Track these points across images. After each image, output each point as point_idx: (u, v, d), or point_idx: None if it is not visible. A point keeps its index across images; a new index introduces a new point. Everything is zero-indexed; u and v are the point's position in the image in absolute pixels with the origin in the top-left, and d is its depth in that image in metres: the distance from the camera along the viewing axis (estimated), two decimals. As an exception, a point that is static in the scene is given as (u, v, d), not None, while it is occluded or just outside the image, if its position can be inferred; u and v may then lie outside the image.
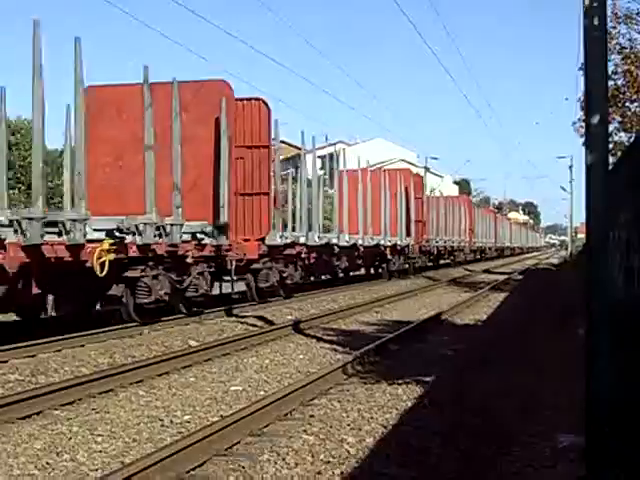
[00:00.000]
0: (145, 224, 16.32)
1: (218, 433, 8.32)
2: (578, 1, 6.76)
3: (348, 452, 8.20)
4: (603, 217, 6.56)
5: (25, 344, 14.48)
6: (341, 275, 33.29)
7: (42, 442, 8.55)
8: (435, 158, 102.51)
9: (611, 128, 24.82)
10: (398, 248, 38.25)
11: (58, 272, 14.64)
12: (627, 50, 25.71)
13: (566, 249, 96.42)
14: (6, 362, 13.06)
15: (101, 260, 14.93)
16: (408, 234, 39.47)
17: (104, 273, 15.00)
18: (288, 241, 23.97)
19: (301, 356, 14.88)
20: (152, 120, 16.95)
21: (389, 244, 36.26)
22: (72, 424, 9.35)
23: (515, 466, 7.63)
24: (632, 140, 19.64)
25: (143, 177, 16.98)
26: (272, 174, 23.15)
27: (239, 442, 8.51)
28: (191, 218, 18.61)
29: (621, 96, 26.35)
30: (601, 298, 6.41)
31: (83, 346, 15.07)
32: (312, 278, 29.28)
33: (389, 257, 36.74)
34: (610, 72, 24.11)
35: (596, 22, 6.58)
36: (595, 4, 6.59)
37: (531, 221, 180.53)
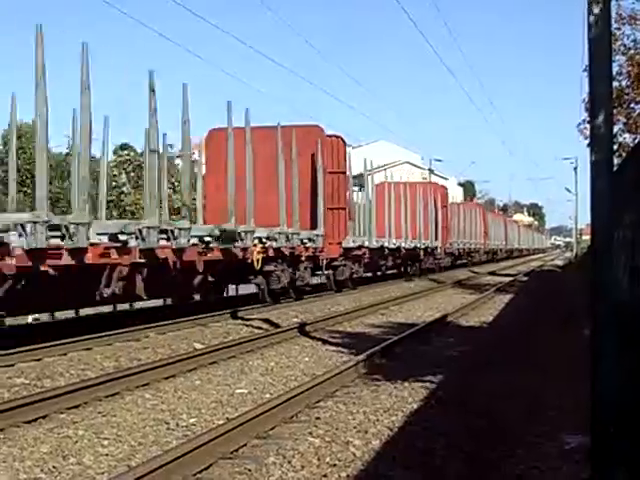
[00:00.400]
0: (279, 233, 22.39)
1: (224, 436, 8.32)
2: (582, 1, 6.77)
3: (354, 455, 8.19)
4: (608, 218, 6.56)
5: (31, 347, 14.52)
6: (388, 272, 40.10)
7: (48, 446, 8.55)
8: (439, 160, 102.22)
9: (615, 129, 24.79)
10: (429, 250, 44.42)
11: (233, 266, 20.85)
12: (632, 51, 25.69)
13: (571, 251, 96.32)
14: (12, 366, 13.08)
15: (257, 258, 20.82)
16: (436, 238, 45.01)
17: (259, 267, 21.14)
18: (357, 244, 30.54)
19: (307, 358, 14.88)
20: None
21: (423, 247, 42.14)
22: (78, 427, 9.36)
23: (520, 468, 7.63)
24: (637, 141, 19.63)
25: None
26: (347, 193, 28.93)
27: (245, 445, 8.51)
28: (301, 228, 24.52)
29: (625, 97, 26.33)
30: (606, 299, 6.41)
31: (89, 349, 15.08)
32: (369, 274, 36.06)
33: (422, 257, 42.08)
34: (615, 73, 24.07)
35: (600, 22, 6.58)
36: (599, 4, 6.59)
37: (536, 223, 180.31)
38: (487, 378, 12.26)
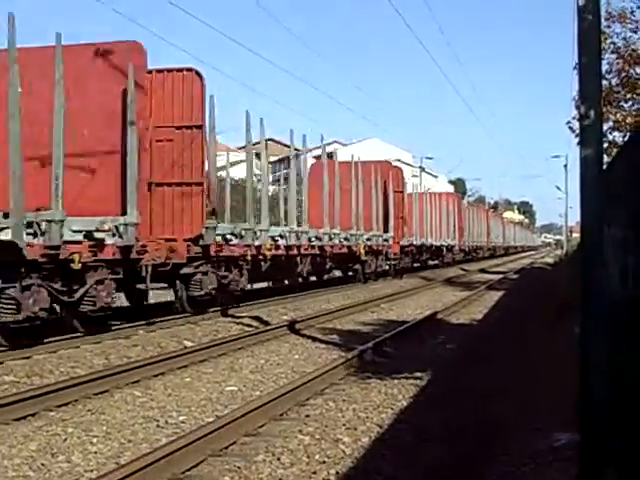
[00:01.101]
0: (374, 236, 31.50)
1: (214, 433, 8.32)
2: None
3: (343, 452, 8.20)
4: (597, 215, 6.56)
5: (20, 345, 14.47)
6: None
7: (37, 443, 8.53)
8: (430, 158, 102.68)
9: (605, 127, 24.83)
10: (449, 247, 52.39)
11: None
12: (622, 49, 25.69)
13: (561, 248, 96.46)
14: (1, 364, 13.04)
15: (362, 252, 30.71)
16: (454, 237, 44.95)
17: (363, 258, 31.45)
18: (408, 243, 40.39)
19: (297, 356, 14.88)
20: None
21: (446, 244, 50.11)
22: (67, 425, 9.34)
23: (511, 465, 7.63)
24: (627, 139, 19.66)
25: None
26: (405, 206, 38.08)
27: (235, 442, 8.50)
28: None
29: (615, 95, 26.34)
30: (595, 297, 6.41)
31: (78, 347, 15.04)
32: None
33: (444, 253, 45.67)
34: (604, 71, 24.12)
35: (589, 20, 6.58)
36: (589, 3, 6.60)
37: (526, 220, 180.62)
38: (477, 375, 12.27)
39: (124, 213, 16.10)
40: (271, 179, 51.47)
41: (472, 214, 68.34)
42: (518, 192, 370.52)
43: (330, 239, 28.76)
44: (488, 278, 42.46)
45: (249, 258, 21.59)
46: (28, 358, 13.75)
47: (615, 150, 23.39)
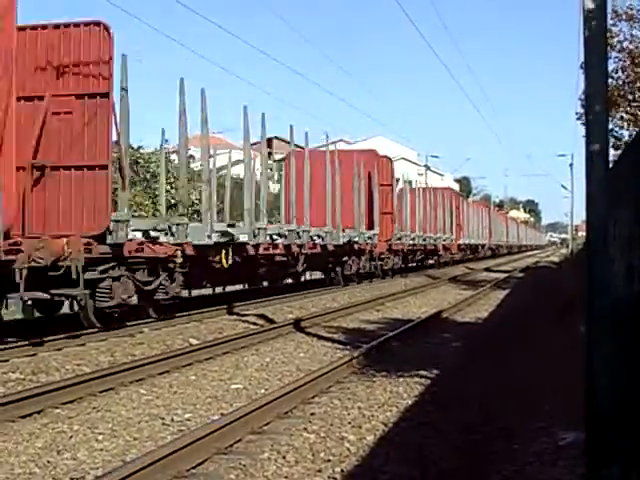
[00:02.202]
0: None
1: (219, 431, 8.32)
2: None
3: (349, 450, 8.19)
4: (603, 214, 6.55)
5: (26, 342, 14.52)
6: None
7: (43, 441, 8.55)
8: (436, 156, 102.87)
9: (611, 125, 24.81)
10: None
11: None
12: (631, 46, 25.69)
13: (567, 247, 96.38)
14: (7, 361, 13.07)
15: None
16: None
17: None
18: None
19: (302, 354, 14.88)
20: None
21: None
22: (73, 423, 9.35)
23: (516, 463, 7.63)
24: (633, 137, 19.64)
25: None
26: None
27: (240, 440, 8.50)
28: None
29: (622, 93, 26.34)
30: (601, 295, 6.41)
31: (84, 345, 15.07)
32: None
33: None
34: (610, 69, 24.11)
35: (596, 18, 6.58)
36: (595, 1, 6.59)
37: (532, 219, 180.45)
38: (482, 374, 12.26)
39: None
40: (276, 177, 49.68)
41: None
42: (524, 191, 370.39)
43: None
44: (493, 277, 42.44)
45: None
46: (34, 355, 13.78)
47: (621, 148, 23.40)
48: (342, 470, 7.50)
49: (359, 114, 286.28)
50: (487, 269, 52.37)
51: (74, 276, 14.22)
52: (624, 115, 26.33)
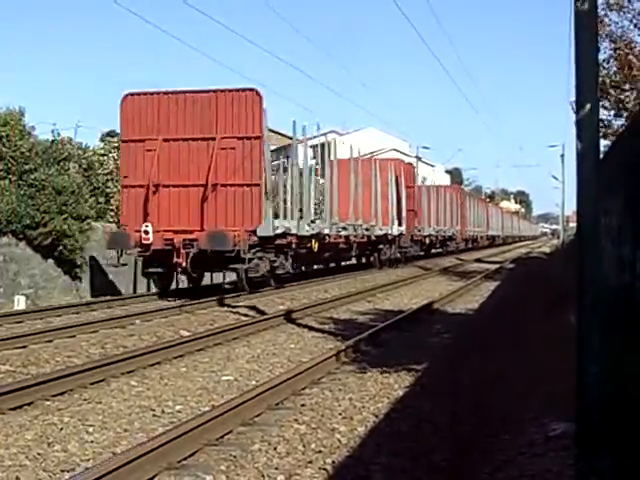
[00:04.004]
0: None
1: (209, 423, 8.30)
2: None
3: (339, 441, 8.20)
4: (594, 205, 6.56)
5: (16, 334, 14.51)
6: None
7: (33, 433, 8.52)
8: (427, 148, 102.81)
9: (602, 114, 24.82)
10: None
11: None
12: (618, 38, 25.68)
13: (558, 238, 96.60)
14: (-3, 353, 13.04)
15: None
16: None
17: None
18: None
19: (292, 345, 14.88)
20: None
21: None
22: (63, 414, 9.33)
23: (507, 454, 7.63)
24: (623, 128, 19.65)
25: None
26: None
27: (230, 432, 8.50)
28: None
29: (613, 83, 26.34)
30: (592, 286, 6.41)
31: (74, 337, 15.06)
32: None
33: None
34: (601, 60, 24.10)
35: (586, 8, 6.56)
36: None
37: (523, 210, 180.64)
38: (473, 365, 12.26)
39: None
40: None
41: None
42: (515, 182, 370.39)
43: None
44: (484, 268, 42.47)
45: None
46: (24, 347, 13.76)
47: (612, 136, 23.42)
48: (333, 461, 7.50)
49: (351, 105, 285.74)
50: (478, 260, 52.39)
51: (242, 255, 21.71)
52: (608, 104, 26.35)
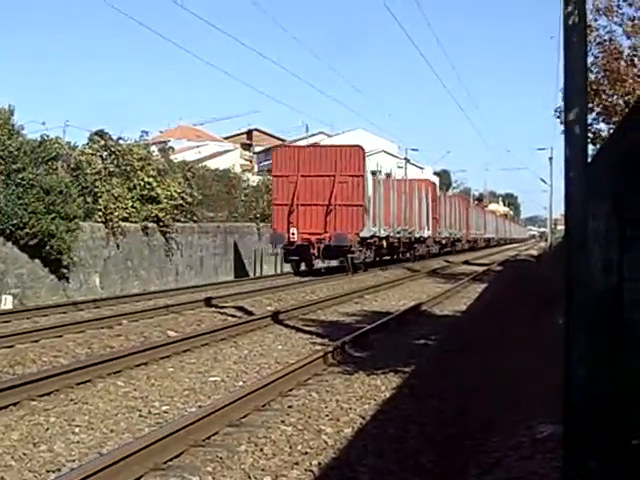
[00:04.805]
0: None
1: (196, 424, 8.30)
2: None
3: (326, 443, 8.20)
4: (582, 208, 6.56)
5: (3, 334, 14.47)
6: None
7: (19, 433, 8.51)
8: (415, 150, 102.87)
9: (590, 120, 24.88)
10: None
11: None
12: (607, 43, 25.74)
13: (545, 240, 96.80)
14: (-17, 353, 13.00)
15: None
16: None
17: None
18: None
19: (280, 347, 14.87)
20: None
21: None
22: (50, 415, 9.31)
23: (494, 456, 7.64)
24: (612, 131, 19.71)
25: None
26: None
27: (217, 433, 8.49)
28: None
29: (601, 88, 26.40)
30: (579, 288, 6.42)
31: (61, 337, 15.02)
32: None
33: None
34: (590, 64, 24.14)
35: (575, 12, 6.57)
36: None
37: (511, 212, 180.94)
38: (460, 367, 12.29)
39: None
40: (257, 169, 56.84)
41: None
42: (503, 184, 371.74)
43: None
44: (472, 270, 42.49)
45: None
46: (11, 347, 13.72)
47: (600, 142, 23.45)
48: (319, 463, 7.51)
49: (340, 106, 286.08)
50: (466, 262, 52.44)
51: (352, 249, 33.43)
52: (598, 109, 26.41)
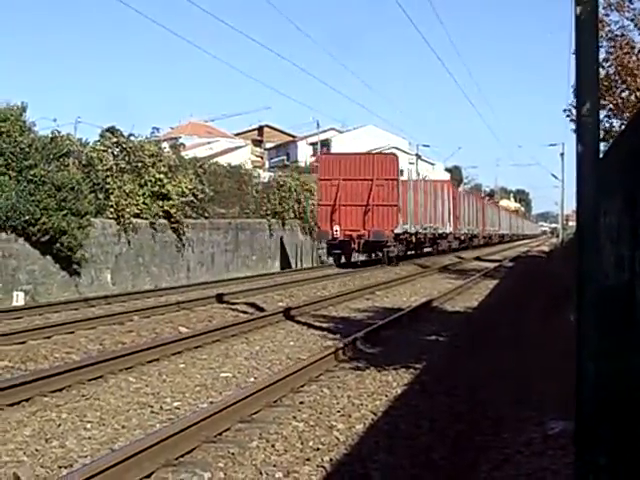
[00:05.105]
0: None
1: (208, 420, 8.31)
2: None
3: (337, 439, 8.20)
4: (593, 203, 6.55)
5: (15, 330, 14.52)
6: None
7: (31, 429, 8.53)
8: (427, 145, 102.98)
9: (602, 115, 24.81)
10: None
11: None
12: (619, 38, 25.66)
13: (557, 237, 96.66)
14: (-4, 349, 13.05)
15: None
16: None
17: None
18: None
19: (291, 343, 14.87)
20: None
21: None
22: (61, 411, 9.34)
23: (505, 452, 7.64)
24: (623, 128, 19.65)
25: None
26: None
27: (229, 429, 8.50)
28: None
29: (612, 83, 26.33)
30: (591, 284, 6.41)
31: (73, 333, 15.06)
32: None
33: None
34: (601, 59, 24.07)
35: (587, 7, 6.55)
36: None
37: (522, 208, 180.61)
38: (472, 363, 12.28)
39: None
40: (267, 165, 58.49)
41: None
42: (514, 180, 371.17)
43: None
44: (484, 266, 42.43)
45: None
46: (23, 343, 13.77)
47: (611, 138, 23.38)
48: (331, 459, 7.51)
49: (351, 102, 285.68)
50: (477, 258, 52.39)
51: (388, 244, 37.47)
52: (611, 106, 26.33)
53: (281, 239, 41.79)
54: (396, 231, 38.15)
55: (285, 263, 41.81)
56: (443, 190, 53.44)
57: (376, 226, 37.19)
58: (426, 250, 51.03)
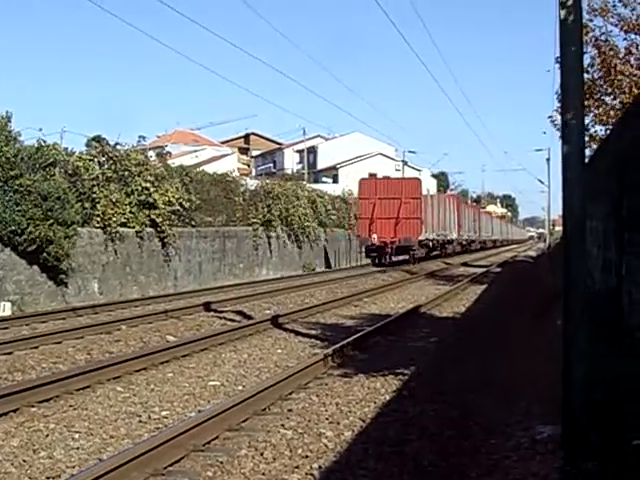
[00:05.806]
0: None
1: (196, 428, 8.30)
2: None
3: (326, 446, 8.19)
4: (579, 209, 6.57)
5: (2, 341, 14.46)
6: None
7: (19, 439, 8.50)
8: (413, 152, 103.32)
9: (587, 121, 24.87)
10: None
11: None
12: (603, 43, 25.74)
13: (544, 241, 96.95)
14: (-18, 360, 12.99)
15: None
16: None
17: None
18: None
19: (279, 350, 14.86)
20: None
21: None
22: (49, 421, 9.31)
23: (493, 458, 7.64)
24: (608, 133, 19.71)
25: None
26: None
27: (217, 437, 8.49)
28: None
29: (597, 89, 26.39)
30: (577, 289, 6.43)
31: (60, 343, 15.01)
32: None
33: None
34: (586, 65, 24.14)
35: (571, 13, 6.58)
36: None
37: (509, 214, 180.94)
38: (460, 369, 12.28)
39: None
40: (254, 173, 59.33)
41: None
42: (501, 185, 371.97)
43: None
44: (471, 272, 42.47)
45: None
46: (10, 354, 13.71)
47: (596, 144, 23.46)
48: (320, 466, 7.50)
49: (337, 110, 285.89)
50: (465, 264, 52.46)
51: (414, 248, 47.05)
52: (595, 110, 26.38)
53: (324, 246, 50.56)
54: (420, 238, 47.49)
55: (327, 264, 50.76)
56: (451, 202, 63.11)
57: (405, 234, 46.25)
58: (434, 254, 56.29)
